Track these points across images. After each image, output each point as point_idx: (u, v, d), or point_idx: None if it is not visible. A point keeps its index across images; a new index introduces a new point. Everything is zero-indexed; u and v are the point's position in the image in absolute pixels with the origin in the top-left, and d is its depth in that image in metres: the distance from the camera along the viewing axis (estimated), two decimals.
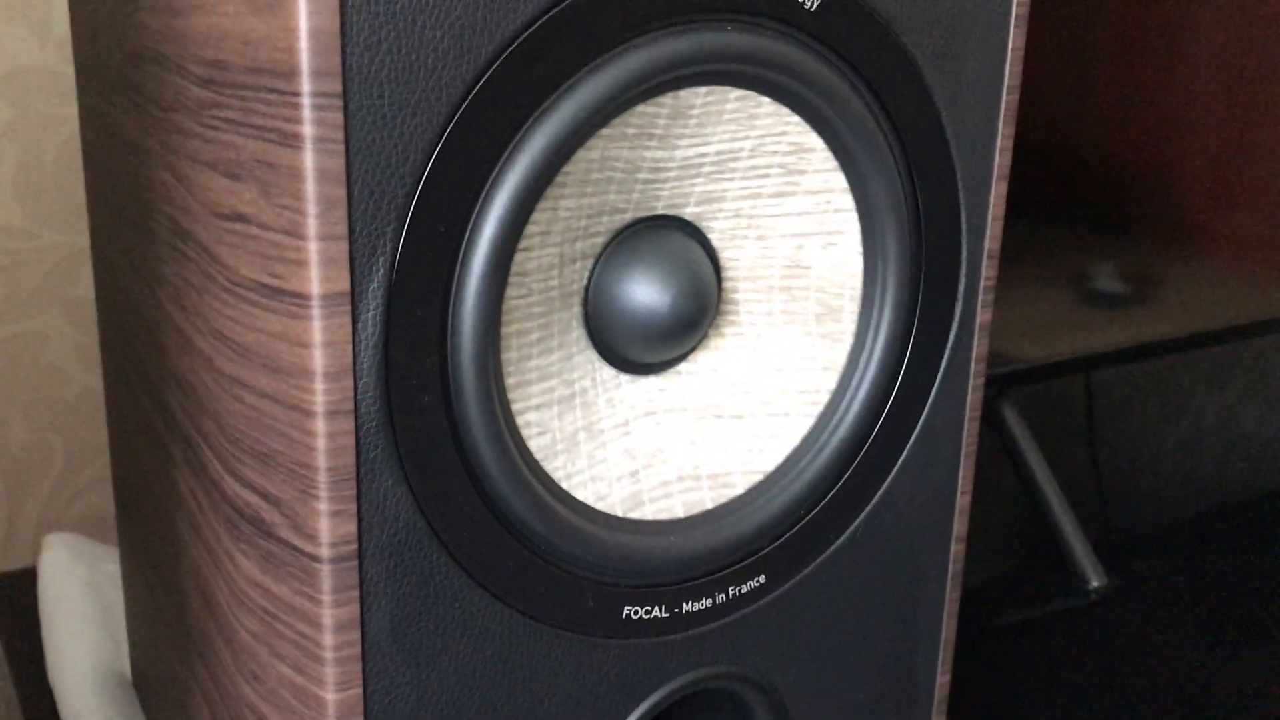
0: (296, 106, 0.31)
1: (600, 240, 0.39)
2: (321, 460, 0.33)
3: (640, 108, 0.37)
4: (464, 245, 0.34)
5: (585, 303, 0.40)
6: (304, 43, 0.30)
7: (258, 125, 0.32)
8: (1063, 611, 0.75)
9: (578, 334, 0.40)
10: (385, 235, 0.32)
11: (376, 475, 0.34)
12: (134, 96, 0.44)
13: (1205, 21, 0.75)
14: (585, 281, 0.40)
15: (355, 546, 0.34)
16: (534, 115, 0.34)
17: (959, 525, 0.48)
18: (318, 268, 0.32)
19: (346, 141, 0.31)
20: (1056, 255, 0.75)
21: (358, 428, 0.33)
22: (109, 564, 0.73)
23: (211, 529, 0.41)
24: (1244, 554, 0.85)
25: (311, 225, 0.31)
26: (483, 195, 0.34)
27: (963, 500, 0.48)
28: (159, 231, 0.43)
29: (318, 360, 0.32)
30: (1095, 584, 0.78)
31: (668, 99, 0.38)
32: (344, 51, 0.31)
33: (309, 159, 0.31)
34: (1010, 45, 0.43)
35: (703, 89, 0.38)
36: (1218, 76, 0.76)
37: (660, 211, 0.41)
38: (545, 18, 0.33)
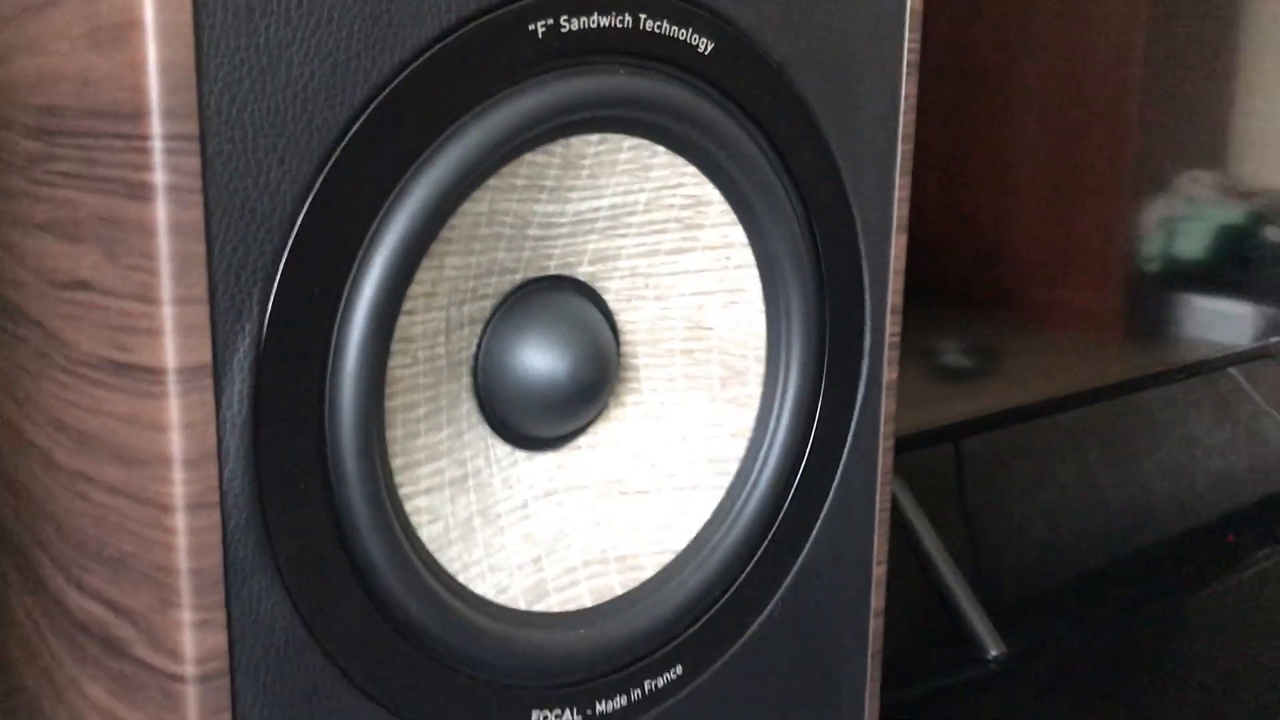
0: (145, 152, 0.27)
1: (489, 303, 0.36)
2: (183, 562, 0.28)
3: (530, 156, 0.34)
4: (341, 308, 0.30)
5: (475, 372, 0.36)
6: (154, 79, 0.26)
7: (100, 177, 0.28)
8: (964, 683, 0.73)
9: (468, 407, 0.36)
10: (251, 298, 0.28)
11: (247, 577, 0.29)
12: None
13: (1033, 116, 0.77)
14: (474, 349, 0.36)
15: (226, 662, 0.29)
16: (416, 162, 0.31)
17: (876, 598, 0.45)
18: (174, 336, 0.27)
19: (205, 191, 0.27)
20: (912, 333, 0.75)
21: (224, 522, 0.29)
22: None
23: (52, 654, 0.35)
24: (1124, 614, 0.85)
25: (165, 288, 0.27)
26: (361, 252, 0.30)
27: (879, 571, 0.45)
28: None
29: (176, 445, 0.28)
30: (994, 653, 0.77)
31: (559, 147, 0.35)
32: (200, 89, 0.27)
33: (161, 211, 0.27)
34: (903, 92, 0.41)
35: (595, 137, 0.35)
36: (1044, 167, 0.79)
37: (552, 271, 0.37)
38: (426, 55, 0.30)
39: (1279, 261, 0.96)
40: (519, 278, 0.37)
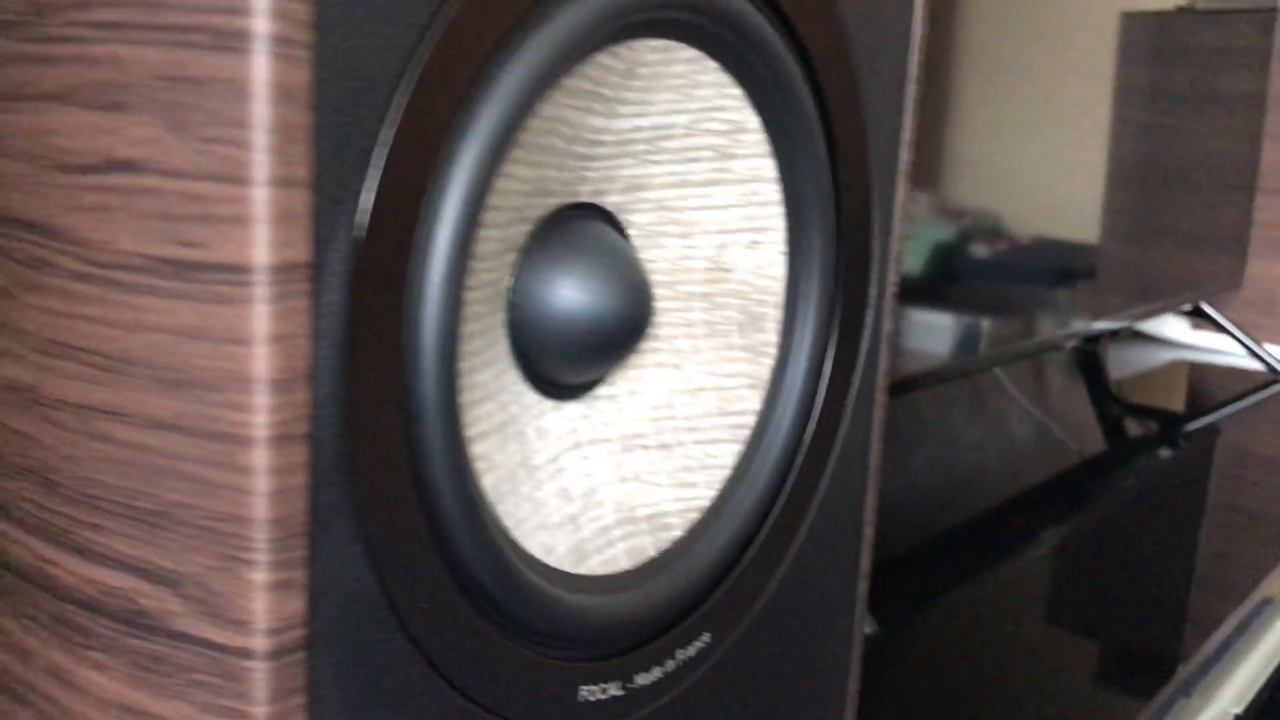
0: None
1: (527, 229, 0.32)
2: (262, 509, 0.23)
3: (601, 58, 0.30)
4: (425, 204, 0.25)
5: (508, 307, 0.32)
6: None
7: (170, 25, 0.22)
8: None
9: (503, 347, 0.32)
10: (351, 184, 0.23)
11: (329, 527, 0.24)
12: None
13: None
14: (511, 280, 0.32)
15: (303, 632, 0.24)
16: (520, 29, 0.26)
17: (865, 560, 0.43)
18: (269, 226, 0.22)
19: (316, 45, 0.22)
20: None
21: (313, 460, 0.24)
22: None
23: (10, 647, 0.28)
24: (958, 592, 0.87)
25: (260, 165, 0.22)
26: (450, 138, 0.26)
27: (868, 532, 0.43)
28: None
29: (262, 362, 0.22)
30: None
31: (624, 50, 0.31)
32: None
33: (262, 67, 0.22)
34: (915, 30, 0.40)
35: (659, 43, 0.32)
36: None
37: (583, 198, 0.34)
38: None
39: (995, 275, 1.00)
40: (553, 202, 0.33)
